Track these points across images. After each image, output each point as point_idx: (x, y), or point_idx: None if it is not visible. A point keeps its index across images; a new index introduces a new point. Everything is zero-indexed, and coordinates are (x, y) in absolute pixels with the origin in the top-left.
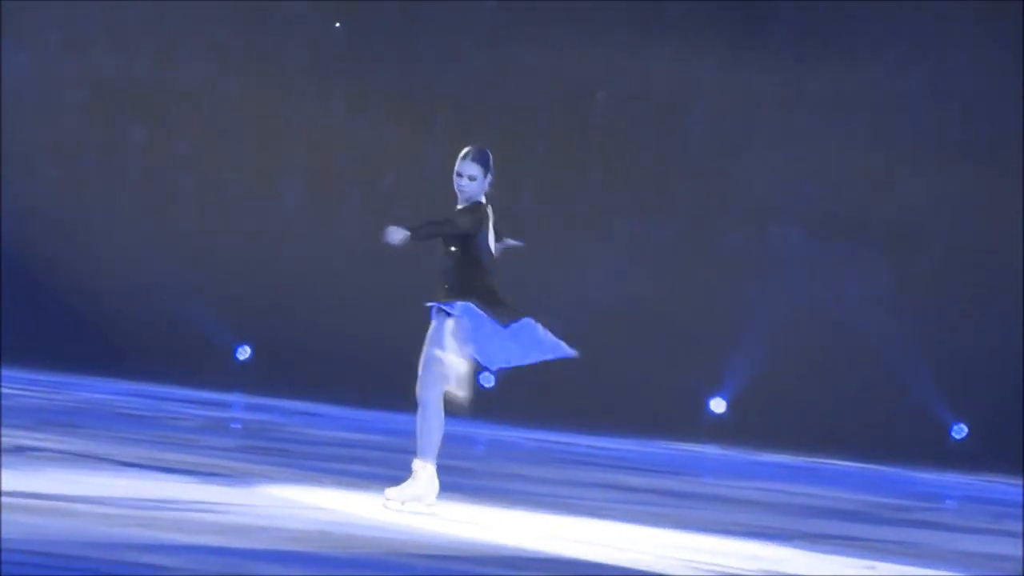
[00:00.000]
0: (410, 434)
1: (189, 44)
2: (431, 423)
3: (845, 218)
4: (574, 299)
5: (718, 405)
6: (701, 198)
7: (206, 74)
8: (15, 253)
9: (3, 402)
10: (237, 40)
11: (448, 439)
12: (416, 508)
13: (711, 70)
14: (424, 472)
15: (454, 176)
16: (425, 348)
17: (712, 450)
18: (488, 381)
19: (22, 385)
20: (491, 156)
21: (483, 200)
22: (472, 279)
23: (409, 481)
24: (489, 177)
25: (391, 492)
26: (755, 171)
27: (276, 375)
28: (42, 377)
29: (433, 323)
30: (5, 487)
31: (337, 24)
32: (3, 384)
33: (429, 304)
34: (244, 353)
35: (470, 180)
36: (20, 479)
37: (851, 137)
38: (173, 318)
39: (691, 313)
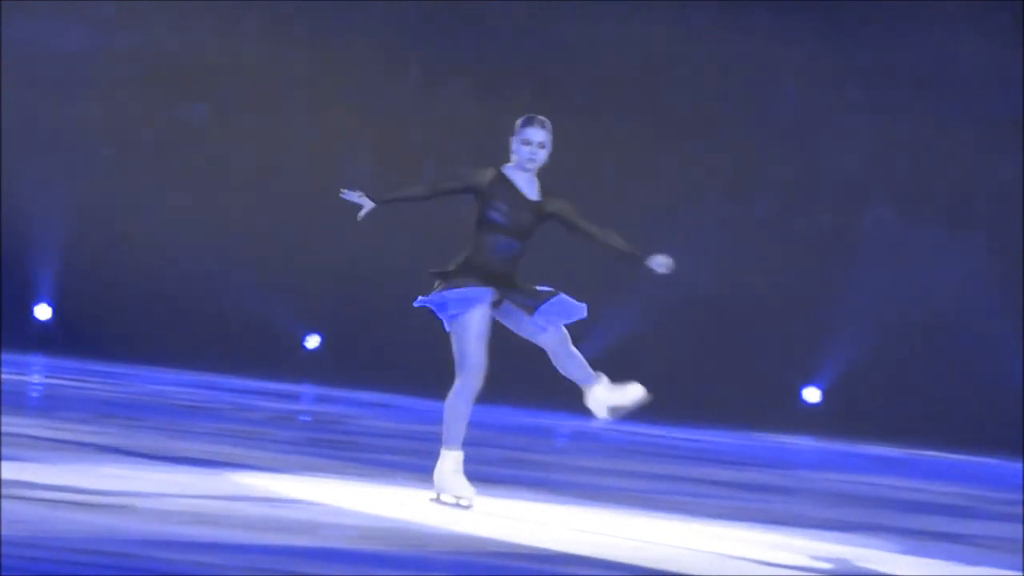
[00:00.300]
0: (482, 425)
1: (251, 16)
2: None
3: (942, 199)
4: (655, 285)
5: (812, 395)
6: (790, 178)
7: (269, 49)
8: (71, 237)
9: (63, 393)
10: (302, 13)
11: (529, 431)
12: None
13: (799, 45)
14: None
15: (519, 145)
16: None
17: (806, 441)
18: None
19: (82, 376)
20: None
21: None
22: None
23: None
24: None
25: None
26: (845, 149)
27: (345, 365)
28: (102, 368)
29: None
30: (62, 482)
31: None
32: (63, 375)
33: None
34: (312, 342)
35: (540, 147)
36: (79, 474)
37: (947, 112)
38: (236, 306)
39: (781, 300)
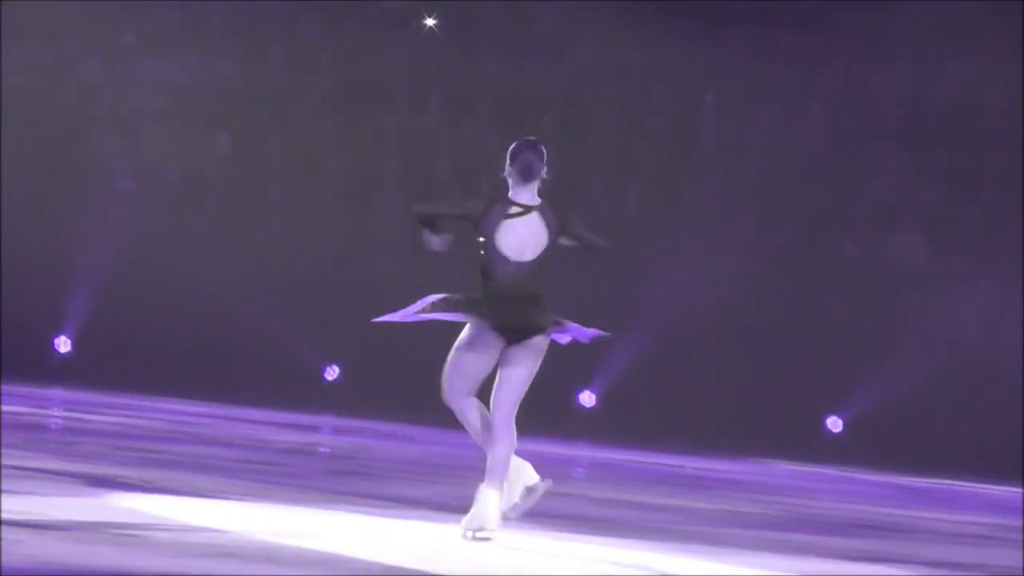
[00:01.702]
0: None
1: (276, 46)
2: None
3: (970, 224)
4: (677, 308)
5: (835, 424)
6: (818, 203)
7: (293, 77)
8: (89, 268)
9: (81, 426)
10: (326, 42)
11: (548, 461)
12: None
13: (828, 71)
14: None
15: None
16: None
17: (829, 471)
18: (589, 401)
19: (99, 409)
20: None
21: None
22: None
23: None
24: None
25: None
26: (876, 175)
27: (365, 396)
28: (119, 400)
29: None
30: (82, 517)
31: (431, 22)
32: (79, 408)
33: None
34: (332, 374)
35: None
36: (100, 508)
37: (979, 138)
38: (258, 337)
39: (806, 326)
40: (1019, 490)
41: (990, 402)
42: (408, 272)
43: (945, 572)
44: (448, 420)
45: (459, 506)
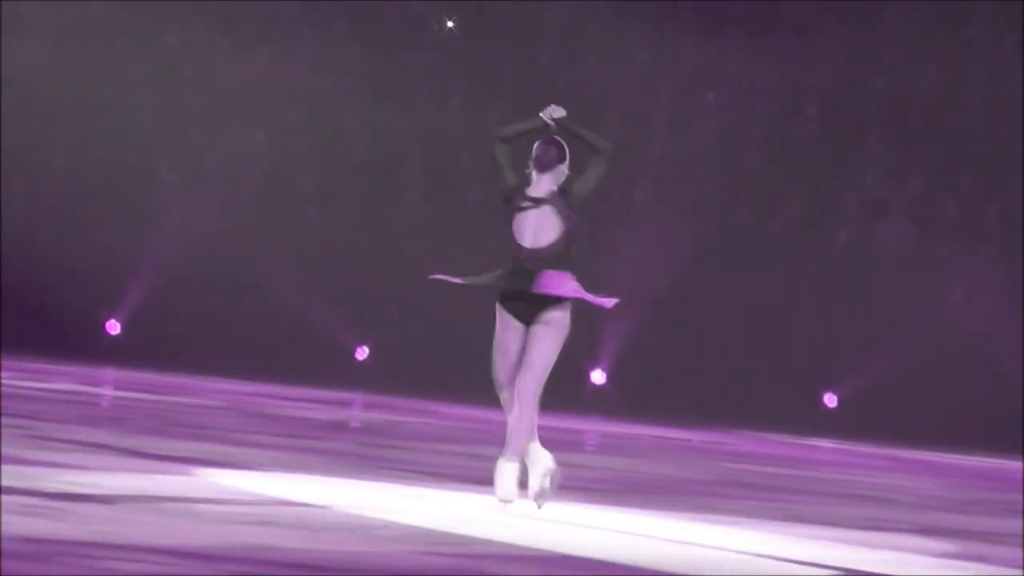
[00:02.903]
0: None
1: (306, 46)
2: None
3: (955, 215)
4: (677, 297)
5: (830, 400)
6: (810, 193)
7: (324, 76)
8: (132, 257)
9: (125, 404)
10: (354, 41)
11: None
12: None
13: (823, 68)
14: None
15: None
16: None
17: (825, 443)
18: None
19: (150, 389)
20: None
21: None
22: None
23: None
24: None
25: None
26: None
27: (396, 375)
28: (161, 379)
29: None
30: (129, 489)
31: (449, 24)
32: (122, 388)
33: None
34: (363, 353)
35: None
36: (146, 480)
37: (961, 129)
38: (295, 321)
39: (801, 311)
40: (996, 459)
41: (971, 377)
42: (437, 256)
43: (928, 537)
44: (473, 396)
45: (482, 477)
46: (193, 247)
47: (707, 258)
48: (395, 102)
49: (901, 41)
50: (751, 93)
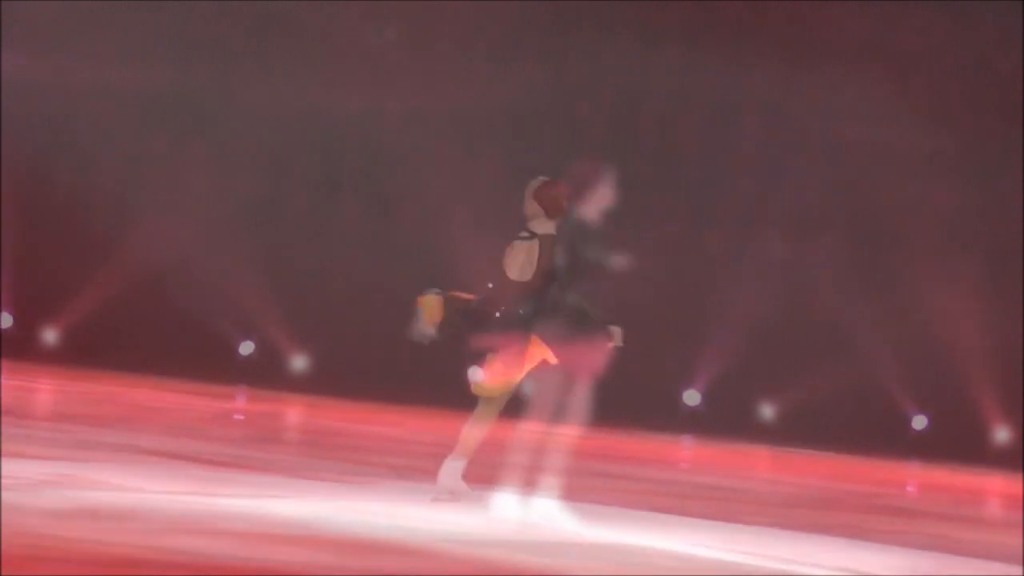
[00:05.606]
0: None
1: (248, 55)
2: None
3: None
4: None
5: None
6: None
7: (267, 88)
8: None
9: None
10: (295, 48)
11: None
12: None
13: (759, 79)
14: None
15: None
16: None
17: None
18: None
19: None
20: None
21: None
22: None
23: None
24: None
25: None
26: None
27: (335, 380)
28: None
29: None
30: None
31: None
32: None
33: None
34: (300, 362)
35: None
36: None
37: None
38: (237, 326)
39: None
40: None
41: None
42: (385, 264)
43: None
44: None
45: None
46: (132, 252)
47: (642, 271)
48: (335, 109)
49: (842, 50)
50: (690, 101)
